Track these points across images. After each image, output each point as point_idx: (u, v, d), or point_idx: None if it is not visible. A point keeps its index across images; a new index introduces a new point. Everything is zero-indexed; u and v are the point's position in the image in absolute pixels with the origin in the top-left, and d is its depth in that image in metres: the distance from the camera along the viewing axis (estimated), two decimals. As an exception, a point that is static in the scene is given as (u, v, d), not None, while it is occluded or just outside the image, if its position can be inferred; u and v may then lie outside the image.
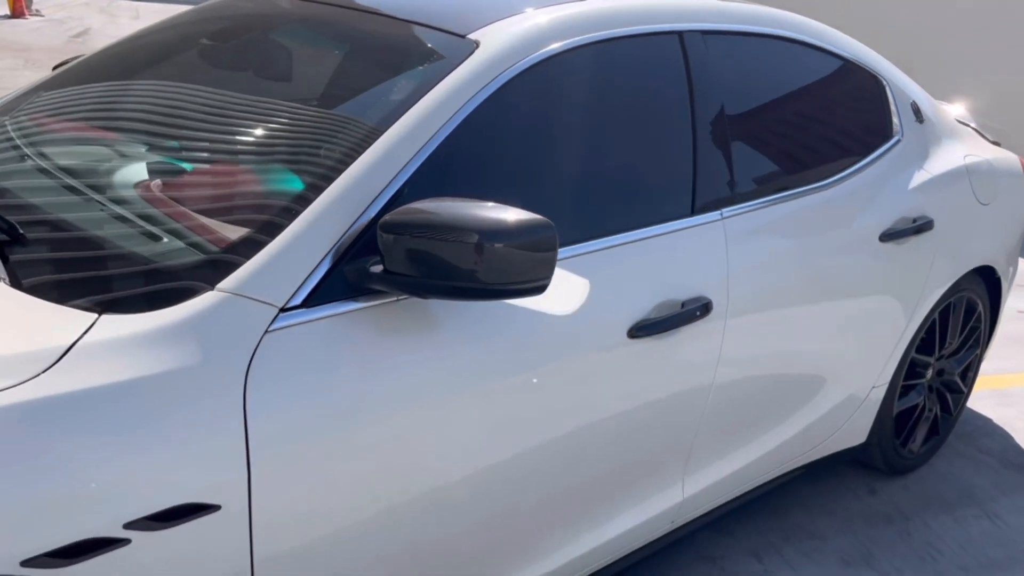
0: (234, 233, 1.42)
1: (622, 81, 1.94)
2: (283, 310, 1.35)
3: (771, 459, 2.34)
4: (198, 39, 2.11)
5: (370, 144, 1.51)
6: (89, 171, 1.65)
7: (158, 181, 1.58)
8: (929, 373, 2.87)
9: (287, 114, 1.74)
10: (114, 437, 1.16)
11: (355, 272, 1.40)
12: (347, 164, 1.49)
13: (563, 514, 1.81)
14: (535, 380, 1.61)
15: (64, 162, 1.69)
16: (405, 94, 1.61)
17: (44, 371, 1.15)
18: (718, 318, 1.93)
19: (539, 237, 1.36)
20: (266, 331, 1.32)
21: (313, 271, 1.38)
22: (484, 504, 1.62)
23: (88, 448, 1.13)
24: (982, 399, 3.52)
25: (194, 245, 1.42)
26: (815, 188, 2.26)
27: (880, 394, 2.62)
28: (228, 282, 1.33)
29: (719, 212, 2.01)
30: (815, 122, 2.42)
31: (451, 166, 1.58)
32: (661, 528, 2.11)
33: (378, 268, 1.39)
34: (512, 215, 1.36)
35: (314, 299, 1.38)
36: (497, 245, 1.32)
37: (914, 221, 2.48)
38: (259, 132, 1.71)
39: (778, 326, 2.14)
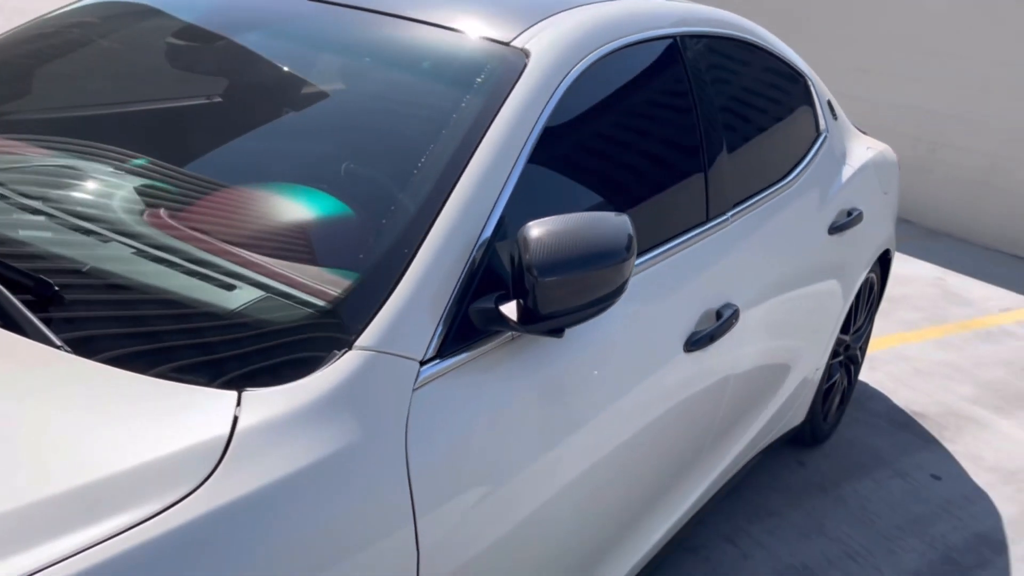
0: (342, 280, 1.24)
1: (645, 86, 1.91)
2: (423, 363, 1.20)
3: (751, 446, 2.44)
4: (169, 44, 1.81)
5: (461, 168, 1.38)
6: (113, 211, 1.37)
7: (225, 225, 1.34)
8: (843, 350, 3.12)
9: (336, 133, 1.54)
10: (292, 533, 0.97)
11: (482, 313, 1.27)
12: (444, 191, 1.34)
13: (636, 511, 1.79)
14: (615, 396, 1.57)
15: (78, 201, 1.39)
16: (475, 111, 1.48)
17: (215, 468, 0.94)
18: (742, 321, 1.98)
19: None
20: (414, 389, 1.17)
21: (443, 316, 1.24)
22: (584, 508, 1.56)
23: (266, 542, 0.95)
24: (857, 366, 3.89)
25: (301, 298, 1.22)
26: (780, 188, 2.37)
27: (819, 375, 2.81)
28: (367, 338, 1.15)
29: (725, 216, 2.04)
30: (770, 120, 2.52)
31: (535, 183, 1.48)
32: (688, 516, 2.14)
33: (510, 307, 1.27)
34: (623, 220, 1.30)
35: (445, 347, 1.24)
36: (632, 255, 1.27)
37: (849, 214, 2.67)
38: (320, 158, 1.50)
39: (767, 321, 2.22)
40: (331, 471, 1.03)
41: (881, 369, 3.95)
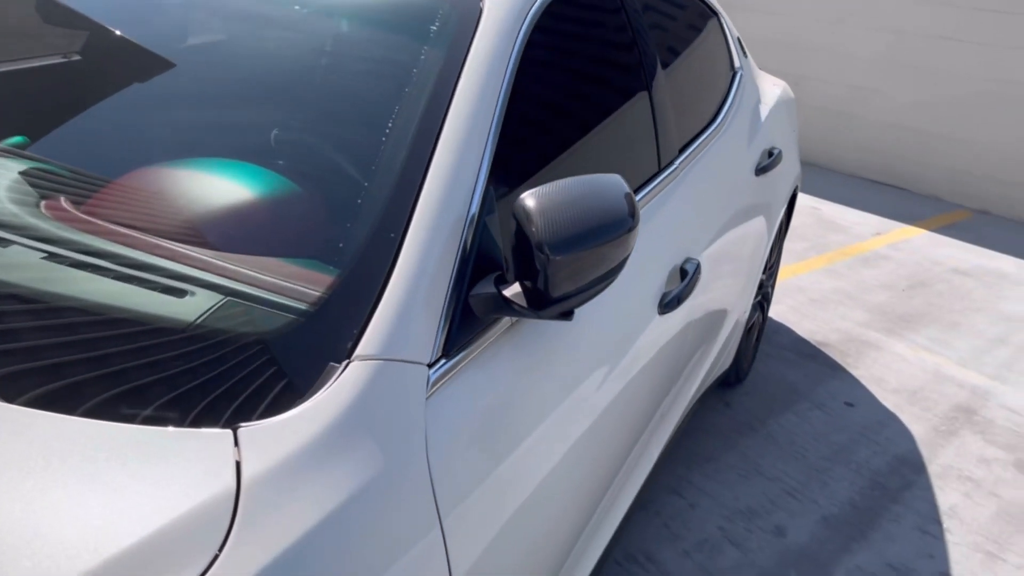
0: (323, 276, 1.04)
1: (593, 30, 1.75)
2: (430, 366, 1.03)
3: (696, 394, 2.41)
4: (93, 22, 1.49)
5: (436, 132, 1.19)
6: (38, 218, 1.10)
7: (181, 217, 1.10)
8: (759, 288, 3.14)
9: (280, 98, 1.30)
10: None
11: (485, 301, 1.11)
12: (421, 161, 1.16)
13: (616, 471, 1.70)
14: (603, 362, 1.46)
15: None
16: (437, 65, 1.29)
17: (228, 534, 0.75)
18: (702, 274, 1.90)
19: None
20: (427, 398, 1.00)
21: (444, 309, 1.07)
22: (577, 475, 1.45)
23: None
24: (759, 300, 3.97)
25: (277, 302, 1.01)
26: (713, 131, 2.29)
27: (746, 316, 2.81)
28: (368, 344, 0.97)
29: (675, 165, 1.95)
30: (697, 61, 2.43)
31: (510, 143, 1.31)
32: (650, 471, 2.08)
33: (513, 290, 1.11)
34: (617, 181, 1.16)
35: (450, 344, 1.07)
36: (638, 221, 1.14)
37: (770, 154, 2.64)
38: (266, 129, 1.26)
39: (716, 271, 2.16)
40: (359, 512, 0.86)
41: (782, 302, 4.05)
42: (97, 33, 1.44)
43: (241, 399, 0.89)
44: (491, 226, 1.19)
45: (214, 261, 1.05)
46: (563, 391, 1.32)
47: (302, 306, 1.01)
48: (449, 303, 1.08)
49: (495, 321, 1.17)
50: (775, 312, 3.92)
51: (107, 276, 1.01)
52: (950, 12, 5.84)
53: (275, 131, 1.27)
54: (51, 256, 1.05)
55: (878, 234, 5.28)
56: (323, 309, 1.00)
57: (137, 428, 0.83)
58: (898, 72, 6.21)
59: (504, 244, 1.22)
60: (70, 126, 1.28)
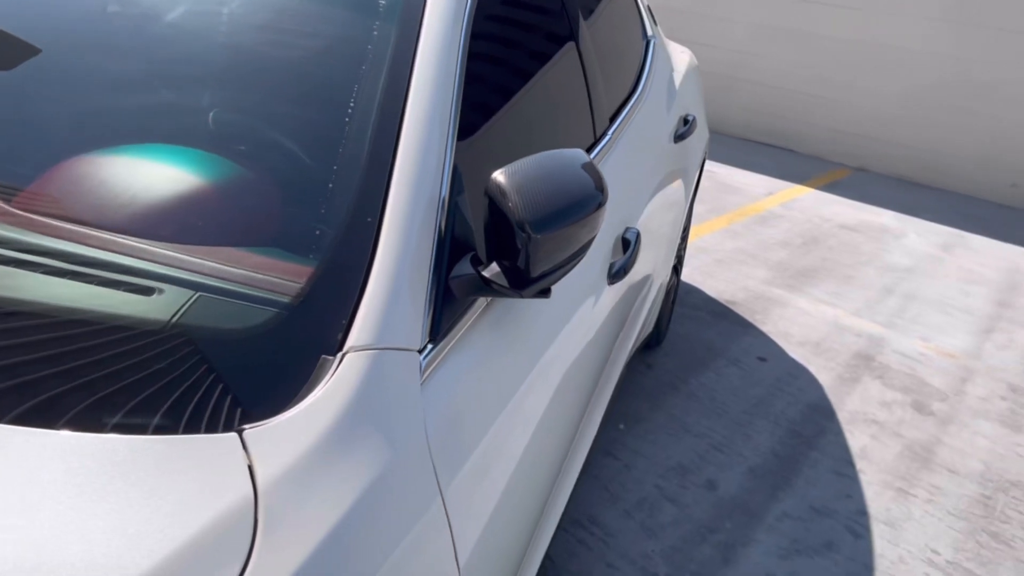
0: (303, 265, 1.00)
1: (533, 7, 1.74)
2: (420, 351, 1.01)
3: (627, 358, 2.46)
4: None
5: (400, 110, 1.16)
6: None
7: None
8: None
9: (234, 81, 1.22)
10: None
11: (465, 283, 1.10)
12: (389, 141, 1.12)
13: (571, 436, 1.73)
14: (568, 334, 1.48)
15: None
16: (392, 39, 1.25)
17: (252, 544, 0.72)
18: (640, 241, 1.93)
19: None
20: (421, 384, 0.98)
21: (427, 292, 1.05)
22: (550, 434, 1.47)
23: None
24: (668, 263, 4.07)
25: (257, 295, 0.96)
26: (636, 99, 2.33)
27: (667, 280, 2.89)
28: (360, 334, 0.94)
29: (608, 135, 1.97)
30: (616, 30, 2.44)
31: (468, 119, 1.29)
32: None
33: (492, 270, 1.10)
34: (579, 154, 1.17)
35: (436, 329, 1.05)
36: (607, 195, 1.16)
37: (686, 122, 2.71)
38: (236, 119, 1.18)
39: (648, 238, 2.21)
40: (373, 504, 0.84)
41: (689, 264, 4.18)
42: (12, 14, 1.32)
43: (240, 400, 0.85)
44: (462, 206, 1.17)
45: (187, 257, 0.99)
46: (534, 364, 1.33)
47: (286, 299, 0.97)
48: (431, 287, 1.06)
49: (472, 302, 1.16)
50: (684, 274, 4.04)
51: (73, 279, 0.94)
52: (827, -22, 6.10)
53: (234, 115, 1.20)
54: (9, 261, 0.96)
55: (770, 193, 5.50)
56: (308, 300, 0.97)
57: (135, 439, 0.78)
58: (778, 36, 6.45)
59: (476, 224, 1.20)
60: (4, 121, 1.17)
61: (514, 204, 1.04)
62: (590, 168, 1.14)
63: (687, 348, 3.35)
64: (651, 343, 3.18)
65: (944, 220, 5.36)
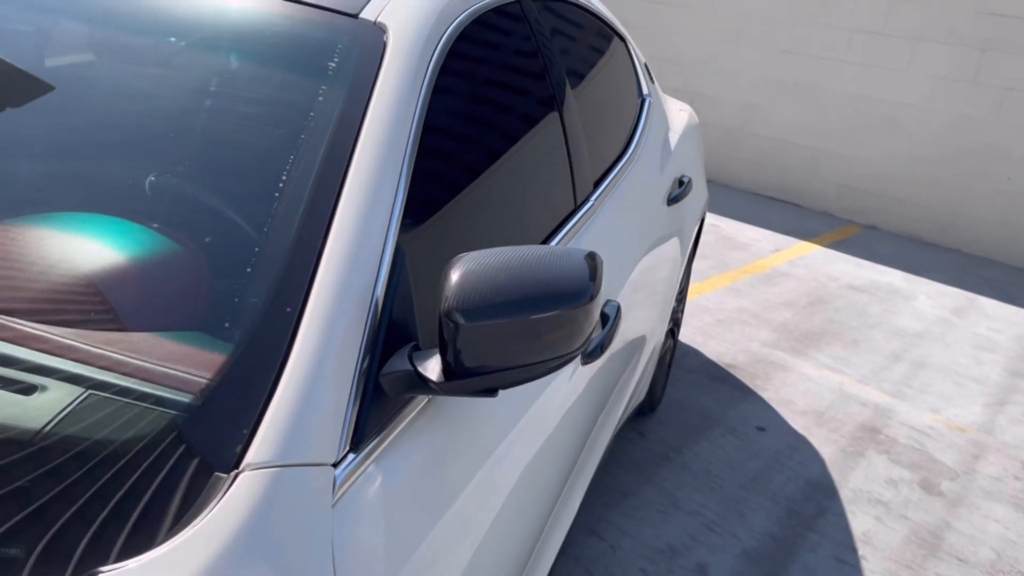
0: (203, 360, 0.88)
1: (505, 63, 1.64)
2: (336, 465, 0.88)
3: (615, 429, 2.32)
4: None
5: (337, 185, 1.05)
6: None
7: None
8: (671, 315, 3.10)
9: (167, 152, 1.12)
10: None
11: (398, 381, 0.97)
12: (321, 220, 1.01)
13: (544, 519, 1.58)
14: (528, 423, 1.34)
15: None
16: (337, 107, 1.14)
17: None
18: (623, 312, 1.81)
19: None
20: (333, 505, 0.85)
21: (351, 395, 0.93)
22: (507, 531, 1.33)
23: None
24: (667, 323, 3.94)
25: (142, 392, 0.84)
26: (626, 162, 2.22)
27: (660, 345, 2.75)
28: (261, 448, 0.82)
29: (591, 202, 1.86)
30: (606, 88, 2.35)
31: (422, 191, 1.18)
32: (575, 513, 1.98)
33: (431, 365, 0.97)
34: (581, 257, 1.04)
35: (359, 436, 0.93)
36: (595, 300, 1.02)
37: (681, 183, 2.60)
38: (151, 183, 1.08)
39: (634, 308, 2.08)
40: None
41: (689, 324, 4.04)
42: None
43: (101, 534, 0.72)
44: (405, 294, 1.06)
45: (71, 343, 0.88)
46: (485, 460, 1.20)
47: (182, 401, 0.85)
48: (357, 387, 0.94)
49: (410, 399, 1.04)
50: (683, 334, 3.90)
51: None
52: (833, 34, 6.04)
53: (150, 180, 1.10)
54: None
55: (777, 251, 5.38)
56: (205, 406, 0.84)
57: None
58: (786, 90, 6.38)
59: (424, 313, 1.08)
60: None
61: (451, 290, 0.92)
62: (583, 264, 1.00)
63: (683, 415, 3.20)
64: (644, 410, 3.04)
65: (956, 282, 5.21)
